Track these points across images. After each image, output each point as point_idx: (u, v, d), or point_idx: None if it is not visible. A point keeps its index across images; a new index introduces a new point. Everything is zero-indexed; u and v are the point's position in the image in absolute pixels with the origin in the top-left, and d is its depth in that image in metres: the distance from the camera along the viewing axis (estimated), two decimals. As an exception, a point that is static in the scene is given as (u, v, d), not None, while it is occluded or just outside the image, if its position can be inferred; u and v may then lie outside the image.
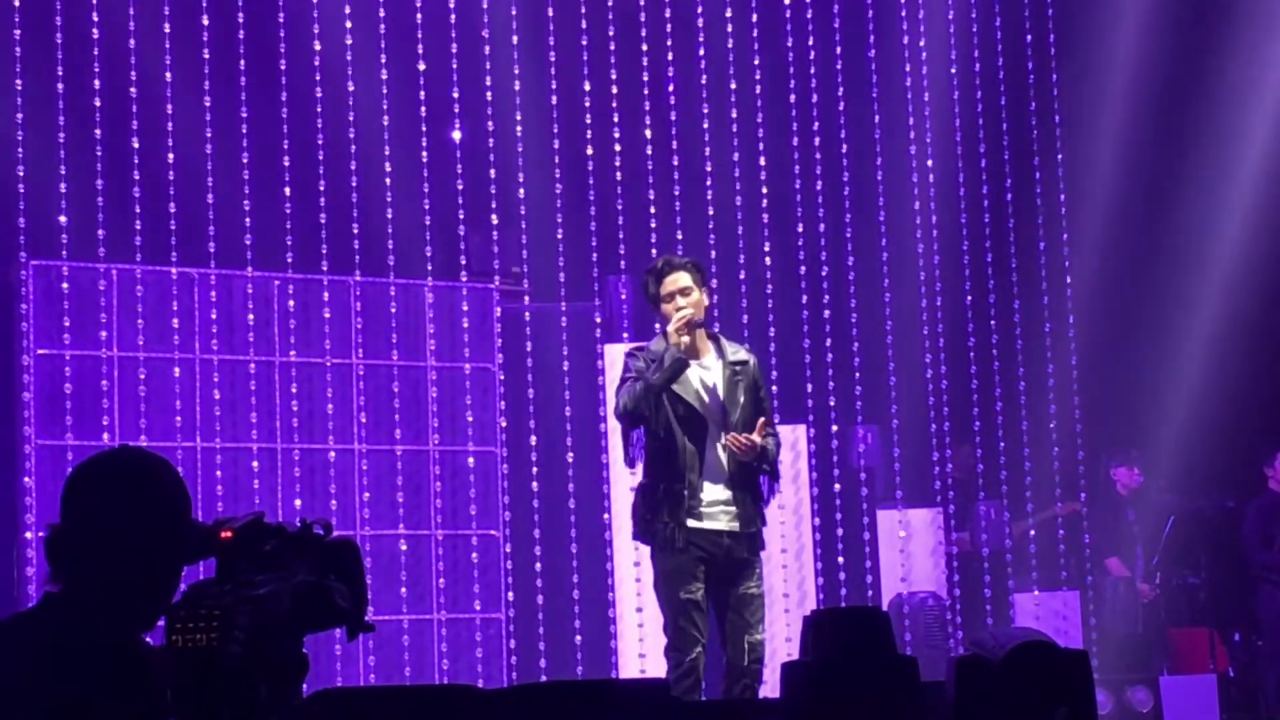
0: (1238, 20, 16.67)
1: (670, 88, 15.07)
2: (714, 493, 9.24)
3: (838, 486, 15.01)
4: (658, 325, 9.60)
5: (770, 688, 9.99)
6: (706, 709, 8.74)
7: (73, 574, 4.33)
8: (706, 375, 9.38)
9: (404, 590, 13.65)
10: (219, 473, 13.19)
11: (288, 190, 13.71)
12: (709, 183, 15.06)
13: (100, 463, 4.43)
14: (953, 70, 16.05)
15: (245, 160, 13.62)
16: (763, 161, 15.26)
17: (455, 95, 14.44)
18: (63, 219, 12.90)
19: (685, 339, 9.21)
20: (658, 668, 13.08)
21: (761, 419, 9.36)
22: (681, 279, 9.35)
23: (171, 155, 13.32)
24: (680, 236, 14.65)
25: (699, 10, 15.23)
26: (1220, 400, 16.00)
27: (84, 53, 13.12)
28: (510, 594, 14.04)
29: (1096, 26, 16.72)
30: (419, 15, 14.32)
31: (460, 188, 14.41)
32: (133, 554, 4.31)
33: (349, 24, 14.07)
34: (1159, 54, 16.63)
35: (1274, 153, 16.48)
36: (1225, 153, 16.68)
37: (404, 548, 13.70)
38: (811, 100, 15.54)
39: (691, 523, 9.17)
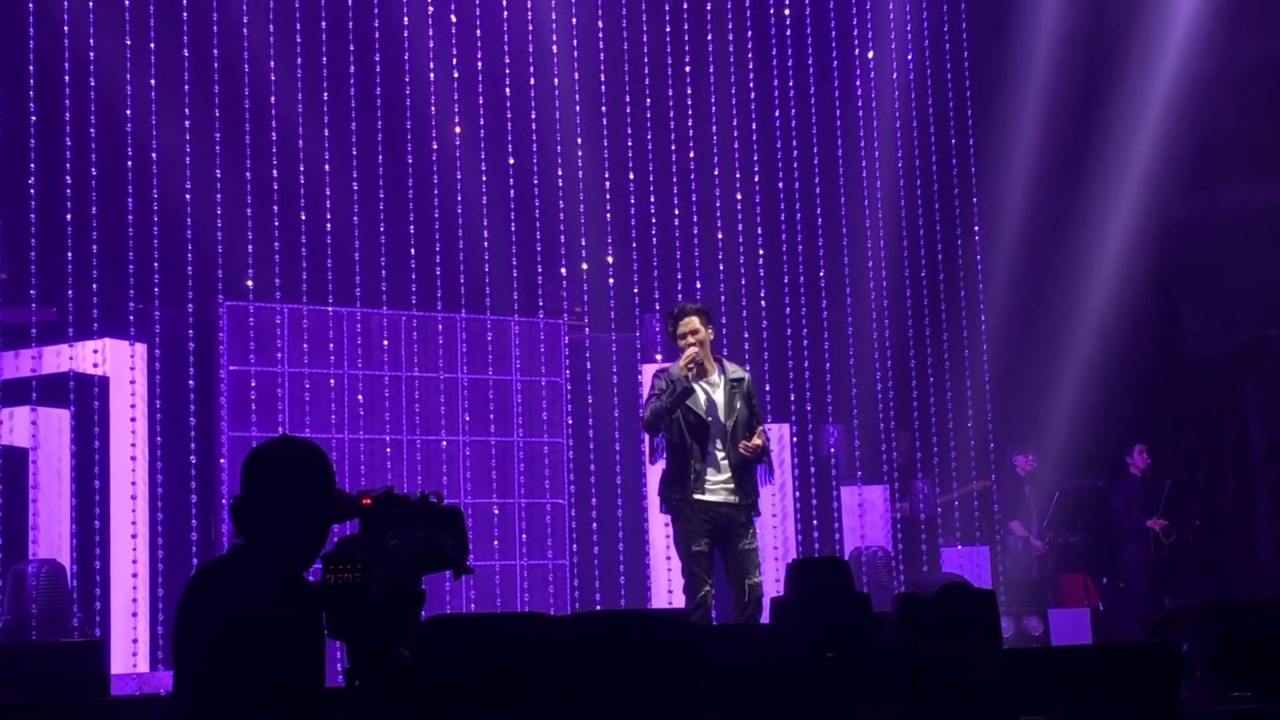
0: (1116, 103, 16.67)
1: (692, 176, 15.10)
2: (715, 476, 9.31)
3: (813, 469, 14.98)
4: (675, 352, 9.68)
5: (764, 617, 9.98)
6: (714, 632, 8.73)
7: (251, 531, 4.35)
8: (712, 391, 9.44)
9: (496, 543, 13.65)
10: (362, 457, 13.22)
11: (413, 250, 13.76)
12: (719, 244, 15.07)
13: (267, 448, 4.44)
14: (899, 165, 16.08)
15: (382, 228, 13.65)
16: (759, 230, 15.28)
17: (535, 182, 14.48)
18: (250, 271, 12.95)
19: (690, 373, 9.32)
20: (682, 602, 13.10)
21: (760, 427, 9.47)
22: (691, 323, 9.42)
23: (329, 225, 13.39)
24: (699, 285, 14.65)
25: (714, 123, 15.26)
26: (1094, 407, 15.98)
27: (264, 148, 13.18)
28: (574, 546, 14.03)
29: (1003, 125, 16.71)
30: (509, 123, 14.38)
31: (539, 249, 14.46)
32: (292, 516, 4.33)
33: (458, 129, 14.14)
34: (1051, 140, 16.63)
35: (1142, 207, 16.48)
36: (1100, 213, 16.67)
37: (496, 512, 13.70)
38: (795, 185, 15.56)
39: (698, 496, 9.25)
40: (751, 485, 9.39)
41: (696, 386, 9.38)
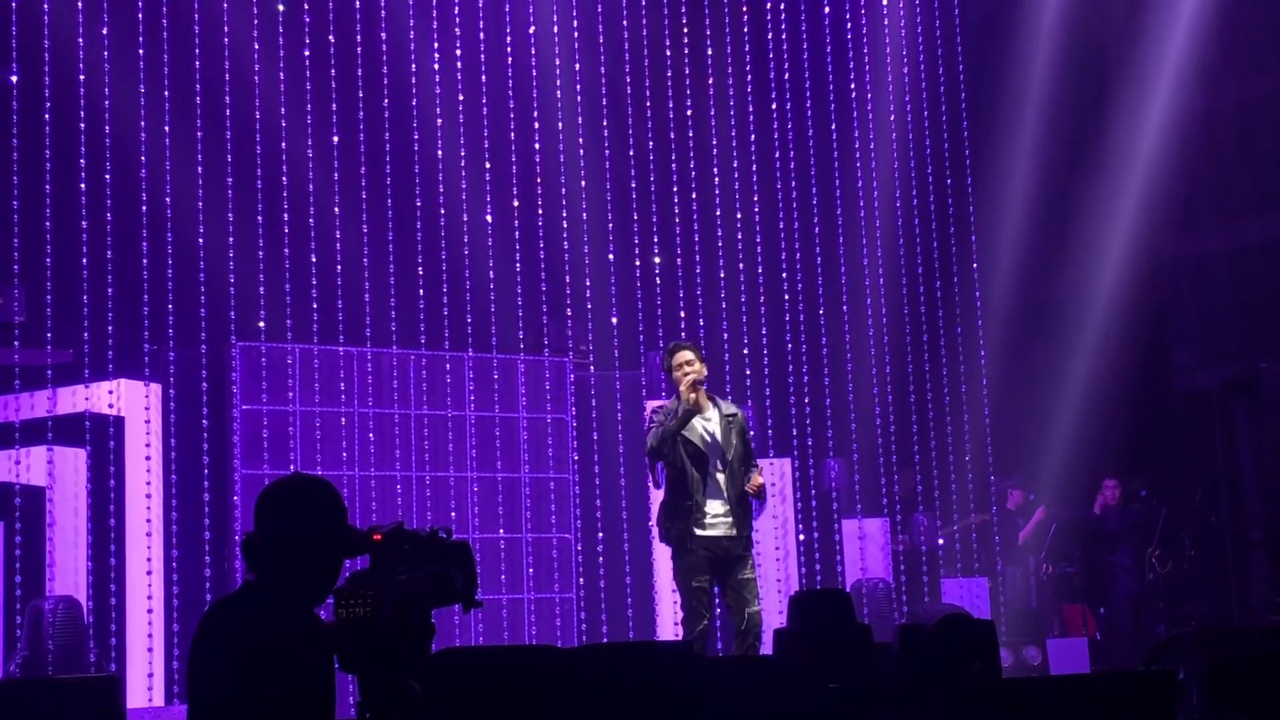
0: (1107, 142, 16.75)
1: (694, 215, 15.14)
2: (714, 508, 9.30)
3: (814, 503, 14.97)
4: (671, 389, 9.70)
5: (766, 647, 9.95)
6: (719, 663, 8.69)
7: (263, 567, 4.32)
8: (708, 424, 9.45)
9: (503, 577, 13.63)
10: (372, 493, 13.22)
11: (421, 291, 13.80)
12: (721, 283, 15.10)
13: (280, 485, 4.40)
14: (898, 204, 16.14)
15: (391, 270, 13.70)
16: (760, 270, 15.31)
17: (540, 223, 14.52)
18: (261, 312, 12.97)
19: (693, 395, 9.37)
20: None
21: (756, 465, 9.48)
22: (685, 355, 9.51)
23: (339, 267, 13.42)
24: (702, 323, 14.67)
25: (715, 164, 15.31)
26: (1090, 439, 15.99)
27: (276, 192, 13.23)
28: (580, 580, 14.01)
29: (999, 165, 16.77)
30: (514, 166, 14.42)
31: (544, 289, 14.48)
32: (304, 551, 4.31)
33: (463, 175, 14.18)
34: (1045, 180, 16.71)
35: (1134, 244, 16.53)
36: (1093, 251, 16.73)
37: (503, 546, 13.69)
38: (795, 224, 15.60)
39: (698, 531, 9.24)
40: (748, 519, 9.40)
41: (694, 420, 9.40)
